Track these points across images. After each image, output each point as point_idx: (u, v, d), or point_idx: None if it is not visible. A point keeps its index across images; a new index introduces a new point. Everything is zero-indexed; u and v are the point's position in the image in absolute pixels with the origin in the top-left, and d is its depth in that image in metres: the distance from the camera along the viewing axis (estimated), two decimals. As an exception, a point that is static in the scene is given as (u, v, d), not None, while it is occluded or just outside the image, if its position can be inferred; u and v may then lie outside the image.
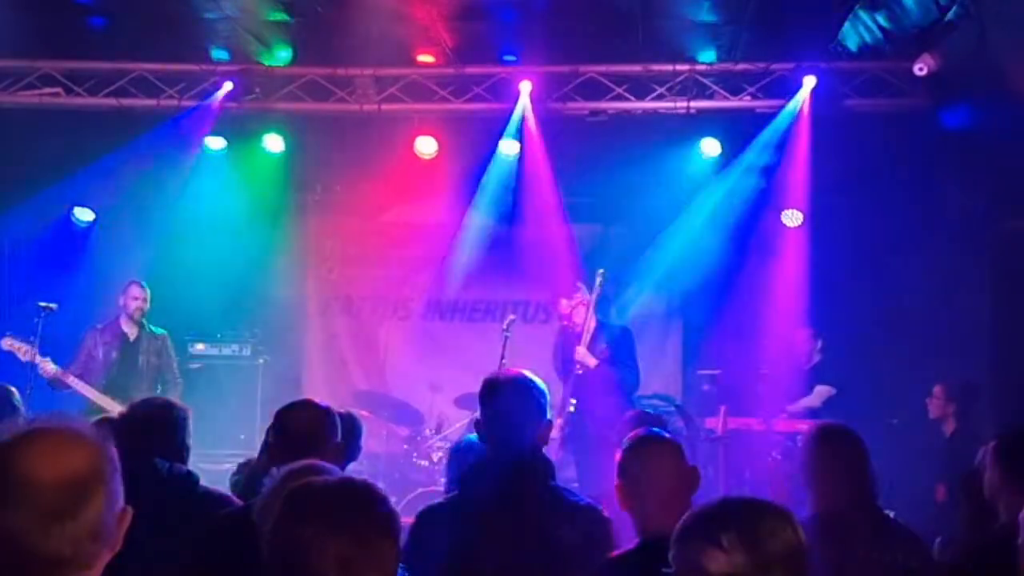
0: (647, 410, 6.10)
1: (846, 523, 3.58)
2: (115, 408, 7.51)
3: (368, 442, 8.61)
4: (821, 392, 8.09)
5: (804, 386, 8.18)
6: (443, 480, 5.10)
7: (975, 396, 7.70)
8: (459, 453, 4.43)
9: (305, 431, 3.51)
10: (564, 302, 7.96)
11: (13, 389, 5.29)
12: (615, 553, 3.01)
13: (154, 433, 3.86)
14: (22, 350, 7.49)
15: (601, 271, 7.80)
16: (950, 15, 6.78)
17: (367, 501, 1.98)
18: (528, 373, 3.35)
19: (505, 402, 3.22)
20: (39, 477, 1.63)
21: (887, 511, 3.89)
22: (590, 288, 7.60)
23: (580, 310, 7.91)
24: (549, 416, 3.28)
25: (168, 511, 3.43)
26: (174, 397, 7.99)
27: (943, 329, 8.49)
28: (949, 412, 7.60)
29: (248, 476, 4.64)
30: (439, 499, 3.36)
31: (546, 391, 3.29)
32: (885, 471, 4.03)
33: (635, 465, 3.07)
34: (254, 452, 6.21)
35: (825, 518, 3.58)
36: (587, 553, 3.00)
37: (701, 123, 8.73)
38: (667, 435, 3.37)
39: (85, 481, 1.65)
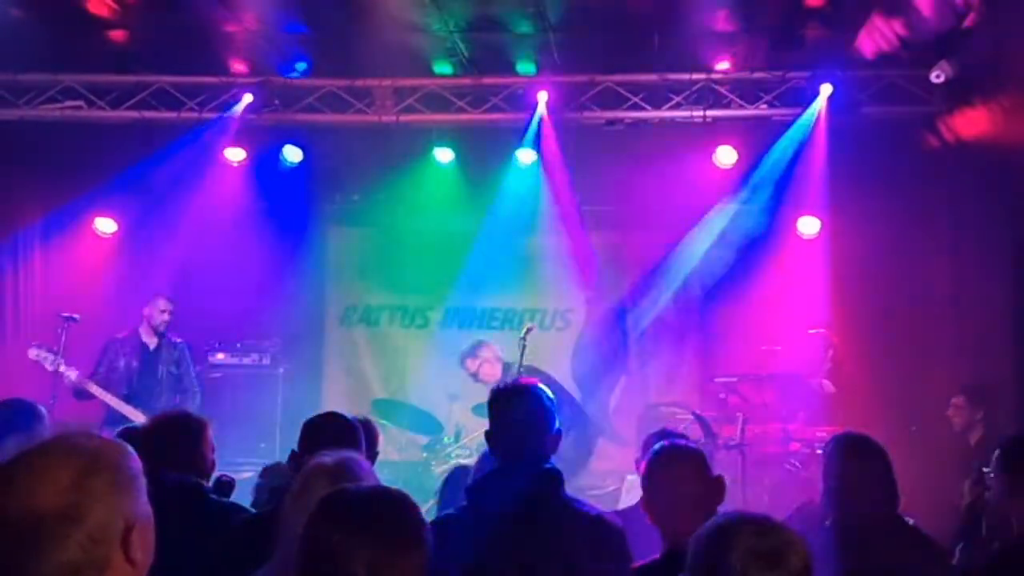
0: (666, 424, 6.14)
1: (867, 532, 3.58)
2: (137, 417, 7.59)
3: (387, 450, 8.72)
4: (824, 386, 8.13)
5: (820, 394, 8.16)
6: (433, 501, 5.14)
7: (998, 397, 7.61)
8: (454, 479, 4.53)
9: (332, 442, 3.54)
10: (469, 362, 8.16)
11: (40, 407, 5.31)
12: (639, 563, 3.02)
13: (168, 445, 3.89)
14: (48, 360, 7.58)
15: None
16: (967, 22, 6.78)
17: (399, 510, 2.03)
18: (538, 383, 3.37)
19: (515, 412, 3.23)
20: (5, 514, 1.57)
21: (908, 518, 3.88)
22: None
23: (487, 368, 8.09)
24: (558, 425, 3.28)
25: (174, 523, 3.48)
26: (192, 406, 8.11)
27: (963, 336, 8.46)
28: (977, 419, 7.50)
29: (272, 488, 4.68)
30: (450, 510, 3.37)
31: (555, 401, 3.30)
32: (905, 479, 4.03)
33: (659, 475, 3.10)
34: (274, 460, 6.25)
35: (846, 527, 3.59)
36: (599, 563, 3.02)
37: (717, 131, 8.74)
38: (691, 445, 3.39)
39: (54, 519, 1.57)
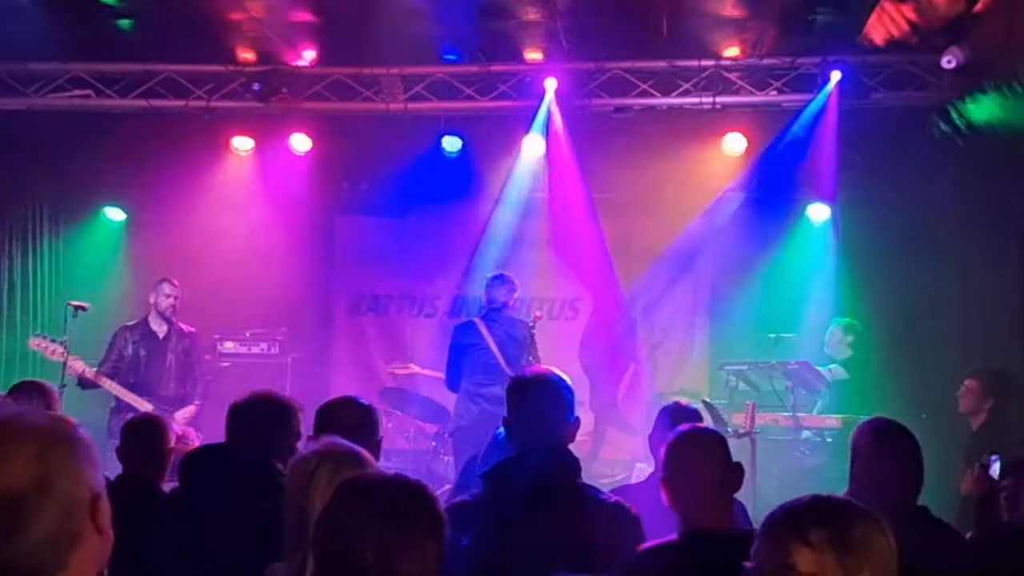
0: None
1: (892, 522, 3.55)
2: (144, 406, 7.59)
3: (395, 439, 8.76)
4: (835, 372, 8.11)
5: (831, 381, 8.14)
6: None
7: (1012, 390, 7.56)
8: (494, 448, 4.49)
9: (350, 429, 3.53)
10: None
11: (51, 387, 5.34)
12: (651, 543, 3.02)
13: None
14: (49, 349, 7.55)
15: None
16: (978, 6, 6.73)
17: (415, 498, 2.04)
18: (556, 371, 3.37)
19: (534, 400, 3.24)
20: None
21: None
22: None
23: None
24: (576, 414, 3.28)
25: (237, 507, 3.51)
26: (200, 395, 8.10)
27: (972, 323, 8.42)
28: (985, 407, 7.46)
29: None
30: (465, 496, 3.38)
31: (573, 389, 3.31)
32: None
33: (678, 459, 3.09)
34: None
35: None
36: (615, 551, 3.01)
37: (727, 118, 8.71)
38: (712, 429, 3.40)
39: (28, 493, 1.56)
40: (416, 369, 9.18)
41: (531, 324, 7.81)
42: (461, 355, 7.58)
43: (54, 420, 1.68)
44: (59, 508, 1.58)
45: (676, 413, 4.45)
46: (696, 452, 3.11)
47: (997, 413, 7.33)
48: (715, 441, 3.18)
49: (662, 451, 3.19)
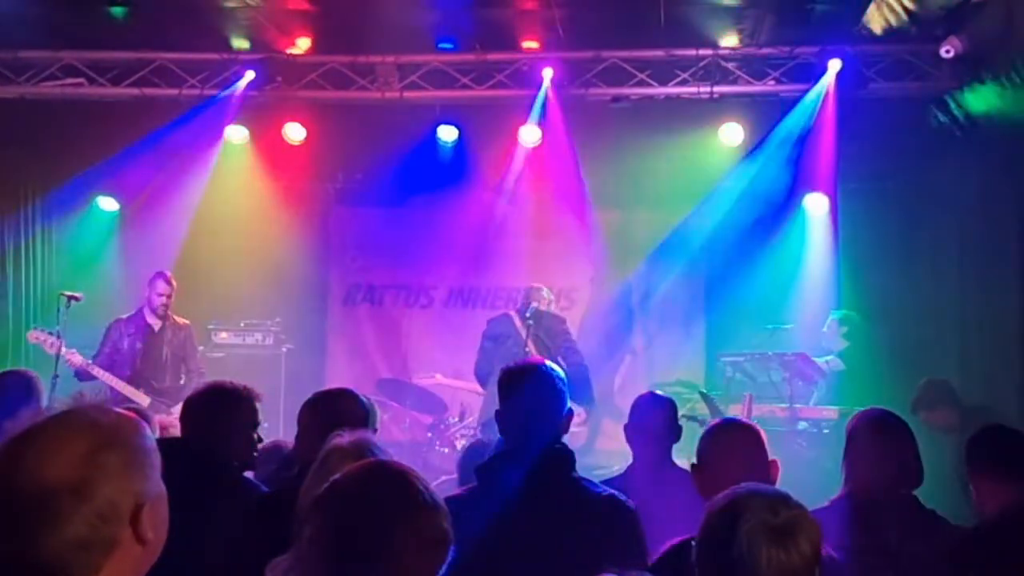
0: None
1: (875, 508, 3.55)
2: (141, 399, 7.56)
3: (391, 430, 8.72)
4: (831, 363, 8.08)
5: (828, 373, 8.12)
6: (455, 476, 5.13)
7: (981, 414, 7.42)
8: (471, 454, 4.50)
9: (344, 420, 3.50)
10: None
11: (34, 374, 5.31)
12: (678, 540, 3.00)
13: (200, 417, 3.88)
14: (48, 342, 7.53)
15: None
16: (977, -4, 6.70)
17: (393, 484, 2.00)
18: (548, 361, 3.32)
19: (526, 392, 3.18)
20: (14, 485, 1.53)
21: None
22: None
23: None
24: (570, 405, 3.24)
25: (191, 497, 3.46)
26: (196, 387, 8.05)
27: (970, 314, 8.40)
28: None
29: (280, 463, 4.66)
30: (459, 490, 3.34)
31: (566, 379, 3.26)
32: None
33: (712, 451, 3.08)
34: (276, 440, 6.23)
35: (855, 502, 3.57)
36: (610, 544, 2.98)
37: (724, 108, 8.67)
38: (751, 424, 3.38)
39: (63, 493, 1.53)
40: (441, 380, 9.14)
41: (527, 315, 7.78)
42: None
43: (117, 420, 1.64)
44: (95, 513, 1.55)
45: (654, 402, 4.45)
46: (729, 445, 3.11)
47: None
48: (751, 435, 3.18)
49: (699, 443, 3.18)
